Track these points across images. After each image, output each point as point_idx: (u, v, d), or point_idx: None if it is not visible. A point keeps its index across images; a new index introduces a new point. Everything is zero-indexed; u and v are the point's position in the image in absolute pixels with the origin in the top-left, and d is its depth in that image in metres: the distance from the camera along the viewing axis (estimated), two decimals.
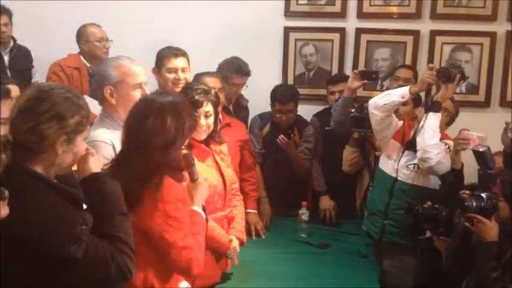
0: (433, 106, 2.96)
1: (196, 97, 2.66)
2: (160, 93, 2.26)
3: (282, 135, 3.80)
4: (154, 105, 2.06)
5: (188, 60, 3.40)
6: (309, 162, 3.98)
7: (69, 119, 1.65)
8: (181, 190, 2.08)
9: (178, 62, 3.33)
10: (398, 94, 3.06)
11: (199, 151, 2.68)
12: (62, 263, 1.58)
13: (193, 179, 2.25)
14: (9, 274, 1.56)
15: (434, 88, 3.08)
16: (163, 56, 3.38)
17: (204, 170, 2.62)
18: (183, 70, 3.33)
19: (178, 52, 3.37)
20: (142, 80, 2.53)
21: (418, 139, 2.96)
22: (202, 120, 2.68)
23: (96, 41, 4.20)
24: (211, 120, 2.73)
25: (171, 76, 3.31)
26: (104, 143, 2.37)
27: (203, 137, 2.73)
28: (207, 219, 2.29)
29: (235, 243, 2.79)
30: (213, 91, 2.80)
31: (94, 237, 1.65)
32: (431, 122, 2.93)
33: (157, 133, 2.01)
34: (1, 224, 1.20)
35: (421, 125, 2.96)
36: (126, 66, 2.51)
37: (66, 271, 1.60)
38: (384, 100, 3.09)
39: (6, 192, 1.19)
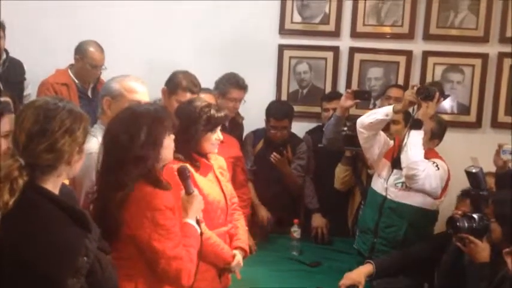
0: (414, 124, 3.01)
1: (218, 114, 2.67)
2: (141, 104, 2.24)
3: (274, 153, 3.81)
4: (130, 118, 2.07)
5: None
6: (302, 179, 3.99)
7: (77, 130, 1.69)
8: (170, 198, 2.07)
9: None
10: (383, 112, 3.12)
11: (202, 166, 2.69)
12: None
13: (188, 192, 2.25)
14: None
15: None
16: (181, 86, 3.18)
17: (207, 185, 2.64)
18: None
19: (196, 89, 3.20)
20: (141, 98, 2.54)
21: (402, 157, 2.99)
22: (220, 135, 2.71)
23: (90, 64, 4.12)
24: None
25: None
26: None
27: (216, 150, 2.76)
28: (201, 233, 2.28)
29: (239, 257, 2.78)
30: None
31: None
32: (414, 139, 2.97)
33: (129, 146, 2.01)
34: (7, 241, 1.18)
35: (404, 142, 3.00)
36: (129, 82, 2.56)
37: None
38: (370, 119, 3.14)
39: None
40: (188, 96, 3.21)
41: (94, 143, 2.38)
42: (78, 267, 1.60)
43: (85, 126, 1.73)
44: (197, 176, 2.62)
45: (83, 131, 1.72)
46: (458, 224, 2.44)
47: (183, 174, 2.28)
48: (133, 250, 2.01)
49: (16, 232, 1.34)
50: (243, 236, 2.91)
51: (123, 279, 2.00)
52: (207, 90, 3.58)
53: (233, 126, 4.04)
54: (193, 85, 3.23)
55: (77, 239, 1.63)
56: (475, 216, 2.45)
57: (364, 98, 3.70)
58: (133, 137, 2.01)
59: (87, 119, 1.76)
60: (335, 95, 4.04)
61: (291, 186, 3.95)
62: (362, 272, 2.81)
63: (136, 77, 2.64)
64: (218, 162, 2.88)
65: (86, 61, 4.12)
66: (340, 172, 3.81)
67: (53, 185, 1.68)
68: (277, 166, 3.86)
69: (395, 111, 3.08)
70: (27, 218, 1.52)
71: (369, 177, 3.52)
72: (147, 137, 2.04)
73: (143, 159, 2.03)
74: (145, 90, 2.60)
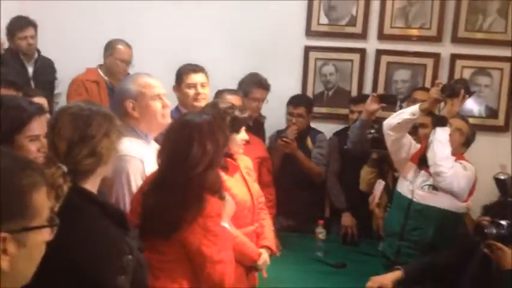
0: (439, 121, 3.01)
1: (242, 115, 2.72)
2: (194, 115, 2.30)
3: (279, 139, 3.91)
4: (194, 130, 2.13)
5: (207, 76, 3.43)
6: (323, 167, 4.04)
7: (113, 132, 1.75)
8: (220, 205, 2.15)
9: (197, 78, 3.37)
10: (409, 112, 3.11)
11: (229, 166, 2.74)
12: None
13: (221, 197, 2.29)
14: None
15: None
16: (182, 72, 3.42)
17: (234, 185, 2.69)
18: (202, 85, 3.36)
19: (197, 68, 3.41)
20: (160, 91, 2.58)
21: (429, 154, 2.99)
22: (245, 135, 2.76)
23: (119, 59, 4.26)
24: None
25: (191, 92, 3.34)
26: (133, 157, 2.41)
27: (242, 150, 2.81)
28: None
29: (265, 255, 2.81)
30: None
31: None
32: (439, 136, 2.96)
33: (200, 158, 2.09)
34: (54, 245, 1.24)
35: (430, 140, 3.00)
36: (143, 79, 2.57)
37: None
38: (397, 119, 3.14)
39: (57, 220, 1.24)
40: (192, 76, 3.34)
41: (128, 145, 2.40)
42: (124, 265, 1.66)
43: (117, 127, 1.79)
44: (225, 177, 2.67)
45: (117, 131, 1.78)
46: (486, 230, 2.44)
47: None
48: (180, 253, 2.07)
49: (62, 235, 1.39)
50: (270, 235, 2.94)
51: (167, 281, 2.08)
52: (232, 92, 3.62)
53: (256, 126, 4.08)
54: (194, 65, 3.41)
55: (120, 238, 1.69)
56: (503, 222, 2.44)
57: (390, 103, 3.71)
58: (204, 148, 2.10)
59: (117, 119, 1.82)
60: (362, 98, 4.05)
61: (311, 172, 3.99)
62: (390, 277, 2.82)
63: (146, 73, 2.67)
64: (244, 162, 2.92)
65: (116, 56, 4.26)
66: (366, 174, 3.81)
67: (92, 186, 1.74)
68: (288, 152, 3.92)
69: (421, 110, 3.07)
70: (73, 221, 1.56)
71: (395, 180, 3.52)
72: (214, 145, 2.12)
73: (212, 166, 2.12)
74: (160, 84, 2.62)
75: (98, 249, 1.63)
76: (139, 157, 2.43)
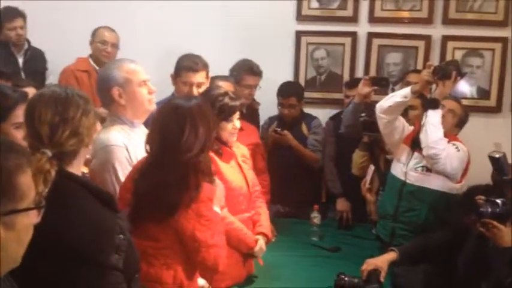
0: (431, 103, 3.02)
1: (232, 103, 2.72)
2: (183, 99, 2.28)
3: (274, 130, 3.91)
4: (185, 114, 2.11)
5: (207, 72, 3.35)
6: (319, 153, 4.03)
7: (91, 111, 1.75)
8: (211, 190, 2.14)
9: (195, 78, 3.28)
10: (401, 94, 3.12)
11: (225, 153, 2.76)
12: (101, 271, 1.65)
13: (211, 181, 2.29)
14: (47, 277, 1.60)
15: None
16: (182, 67, 3.33)
17: (229, 172, 2.70)
18: (198, 85, 3.27)
19: (197, 67, 3.29)
20: (145, 77, 2.55)
21: (422, 137, 3.01)
22: (237, 124, 2.76)
23: (99, 42, 4.23)
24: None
25: (185, 89, 3.28)
26: (118, 146, 2.38)
27: (235, 138, 2.81)
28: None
29: (262, 242, 2.82)
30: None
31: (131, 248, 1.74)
32: (432, 118, 2.98)
33: (193, 142, 2.07)
34: (43, 227, 1.23)
35: (422, 123, 3.01)
36: (128, 65, 2.53)
37: (104, 279, 1.65)
38: (389, 102, 3.15)
39: (43, 202, 1.23)
40: (190, 75, 3.27)
41: (113, 135, 2.40)
42: (117, 244, 1.67)
43: (92, 107, 1.80)
44: (220, 163, 2.68)
45: (93, 112, 1.78)
46: (481, 209, 2.45)
47: None
48: (173, 239, 2.07)
49: (54, 219, 1.39)
50: (266, 222, 2.95)
51: (161, 268, 2.08)
52: (224, 78, 3.60)
53: (250, 112, 4.07)
54: (194, 63, 3.30)
55: (110, 218, 1.70)
56: (499, 201, 2.45)
57: (382, 85, 3.70)
58: (197, 130, 2.09)
59: (90, 99, 1.82)
60: (356, 82, 4.02)
61: (307, 160, 3.99)
62: (385, 258, 2.82)
63: (128, 59, 2.63)
64: (241, 150, 2.94)
65: (96, 40, 4.24)
66: (358, 158, 3.80)
67: (77, 168, 1.74)
68: (282, 143, 3.91)
69: (413, 92, 3.08)
70: (62, 203, 1.58)
71: (387, 163, 3.52)
72: (206, 128, 2.12)
73: (204, 149, 2.11)
74: (143, 69, 2.58)
75: (89, 229, 1.63)
76: (123, 145, 2.40)
